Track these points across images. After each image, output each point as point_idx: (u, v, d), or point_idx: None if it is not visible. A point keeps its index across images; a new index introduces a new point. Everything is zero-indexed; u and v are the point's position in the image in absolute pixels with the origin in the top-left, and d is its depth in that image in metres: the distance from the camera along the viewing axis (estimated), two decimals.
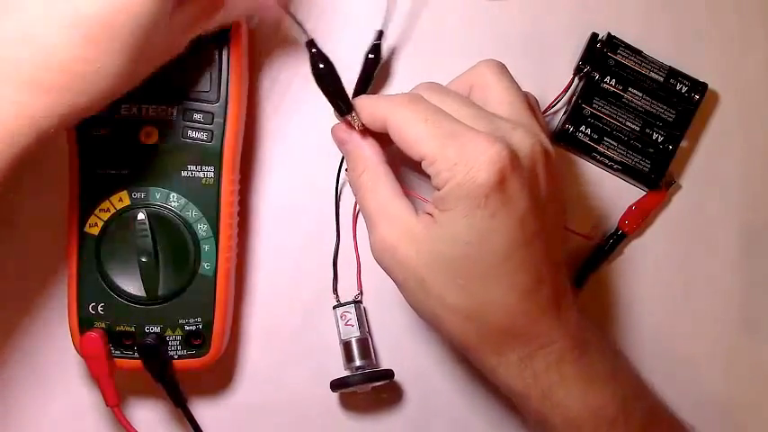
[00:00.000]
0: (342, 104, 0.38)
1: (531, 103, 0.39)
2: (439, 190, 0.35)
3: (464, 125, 0.35)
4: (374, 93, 0.46)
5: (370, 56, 0.45)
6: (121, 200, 0.41)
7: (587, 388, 0.37)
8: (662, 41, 0.47)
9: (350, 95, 0.39)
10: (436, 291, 0.36)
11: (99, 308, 0.42)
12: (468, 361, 0.39)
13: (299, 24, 0.40)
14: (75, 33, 0.32)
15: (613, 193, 0.47)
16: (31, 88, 0.32)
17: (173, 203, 0.41)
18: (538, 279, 0.36)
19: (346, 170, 0.44)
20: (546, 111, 0.47)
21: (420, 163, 0.36)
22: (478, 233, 0.35)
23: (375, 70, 0.45)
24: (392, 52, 0.47)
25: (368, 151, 0.39)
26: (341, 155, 0.46)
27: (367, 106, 0.38)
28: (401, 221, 0.37)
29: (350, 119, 0.38)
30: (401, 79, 0.47)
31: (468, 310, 0.36)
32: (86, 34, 0.32)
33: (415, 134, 0.35)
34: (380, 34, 0.45)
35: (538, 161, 0.36)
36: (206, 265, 0.42)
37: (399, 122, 0.36)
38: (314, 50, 0.38)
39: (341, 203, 0.46)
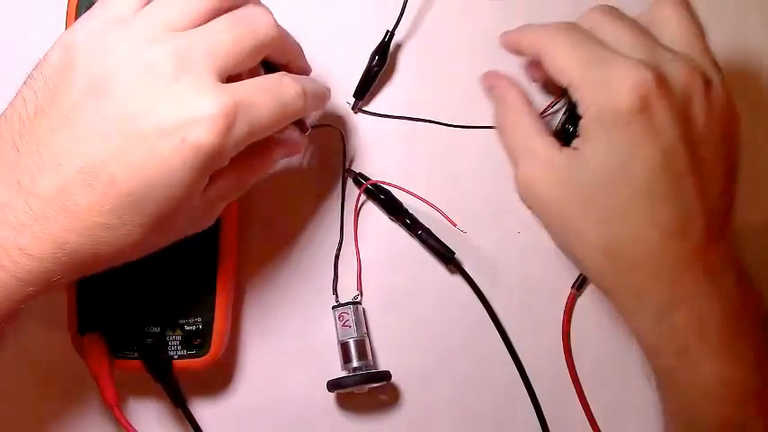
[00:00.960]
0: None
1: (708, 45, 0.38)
2: (583, 115, 0.34)
3: (617, 53, 0.34)
4: (375, 90, 0.47)
5: (376, 57, 0.45)
6: None
7: (727, 357, 0.34)
8: None
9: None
10: (575, 225, 0.35)
11: (99, 308, 0.42)
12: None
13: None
14: (104, 202, 0.32)
15: None
16: (52, 248, 0.32)
17: None
18: (686, 220, 0.34)
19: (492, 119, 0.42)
20: (546, 110, 0.46)
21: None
22: (619, 161, 0.34)
23: (381, 70, 0.46)
24: (395, 48, 0.47)
25: (513, 92, 0.39)
26: (340, 155, 0.46)
27: (524, 32, 0.39)
28: (543, 156, 0.36)
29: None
30: (401, 76, 0.47)
31: (606, 246, 0.35)
32: (114, 204, 0.32)
33: (564, 60, 0.35)
34: (390, 35, 0.45)
35: (695, 92, 0.34)
36: (206, 266, 0.42)
37: (551, 49, 0.36)
38: None
39: (345, 202, 0.46)
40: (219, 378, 0.46)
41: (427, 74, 0.47)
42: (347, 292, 0.46)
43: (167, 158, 0.32)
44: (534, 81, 0.44)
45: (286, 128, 0.38)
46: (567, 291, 0.46)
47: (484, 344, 0.46)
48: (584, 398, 0.46)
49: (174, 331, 0.42)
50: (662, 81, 0.33)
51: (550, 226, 0.37)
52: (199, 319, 0.42)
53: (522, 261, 0.46)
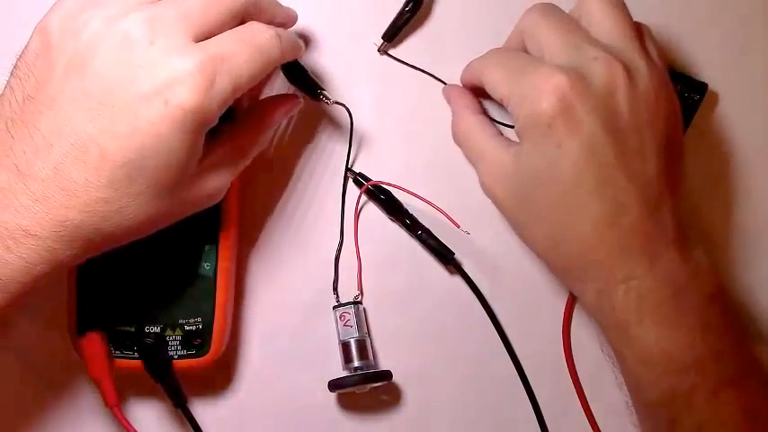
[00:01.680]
0: (312, 89, 0.43)
1: (638, 31, 0.39)
2: (516, 124, 0.38)
3: (536, 61, 0.38)
4: (404, 36, 0.47)
5: (411, 2, 0.46)
6: None
7: (664, 332, 0.36)
8: (662, 41, 0.47)
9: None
10: (522, 220, 0.39)
11: (99, 308, 0.42)
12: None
13: None
14: (99, 176, 0.32)
15: None
16: (54, 225, 0.33)
17: None
18: (617, 210, 0.36)
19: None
20: None
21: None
22: (547, 161, 0.36)
23: (414, 15, 0.46)
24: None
25: (462, 101, 0.44)
26: (341, 155, 0.46)
27: (466, 70, 0.44)
28: (492, 158, 0.40)
29: (322, 98, 0.43)
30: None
31: (548, 239, 0.38)
32: (109, 177, 0.32)
33: (494, 80, 0.40)
34: None
35: (617, 84, 0.36)
36: (206, 265, 0.42)
37: (486, 73, 0.41)
38: None
39: (345, 203, 0.46)
40: (219, 378, 0.46)
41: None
42: (347, 292, 0.46)
43: (154, 124, 0.32)
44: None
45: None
46: (567, 291, 0.46)
47: (484, 344, 0.46)
48: (585, 398, 0.46)
49: (174, 331, 0.42)
50: (578, 81, 0.35)
51: (509, 221, 0.41)
52: (199, 319, 0.42)
53: (521, 261, 0.46)
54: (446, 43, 0.47)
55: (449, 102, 0.45)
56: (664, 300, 0.36)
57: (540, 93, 0.36)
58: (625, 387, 0.41)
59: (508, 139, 0.42)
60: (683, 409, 0.37)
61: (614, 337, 0.38)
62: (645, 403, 0.39)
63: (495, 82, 0.39)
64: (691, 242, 0.38)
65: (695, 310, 0.37)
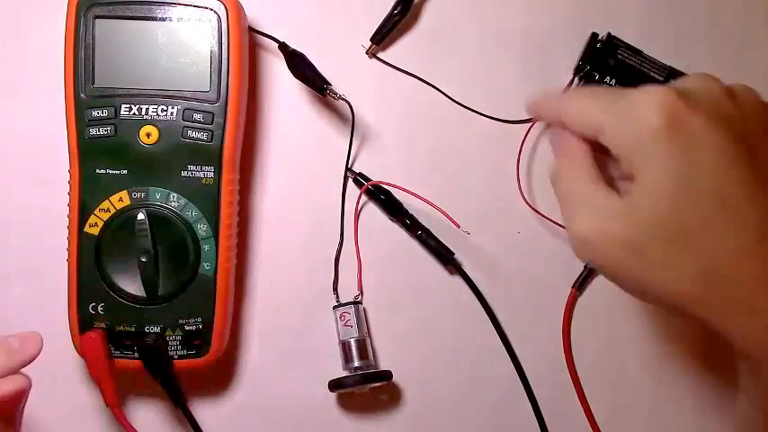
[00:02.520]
0: (318, 84, 0.43)
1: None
2: (620, 158, 0.33)
3: (629, 89, 0.33)
4: (392, 40, 0.47)
5: (400, 5, 0.46)
6: (121, 200, 0.41)
7: None
8: (662, 41, 0.47)
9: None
10: (656, 263, 0.32)
11: (99, 308, 0.42)
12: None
13: (268, 36, 0.45)
14: None
15: None
16: None
17: (173, 203, 0.42)
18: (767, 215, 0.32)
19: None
20: None
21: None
22: (679, 178, 0.31)
23: (402, 19, 0.46)
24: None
25: (576, 144, 0.36)
26: (342, 155, 0.46)
27: (542, 105, 0.38)
28: (604, 206, 0.33)
29: (328, 94, 0.43)
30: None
31: (699, 270, 0.32)
32: None
33: (582, 110, 0.34)
34: None
35: (719, 94, 0.33)
36: (206, 265, 0.42)
37: (569, 106, 0.35)
38: (289, 50, 0.44)
39: (345, 203, 0.46)
40: (219, 378, 0.46)
41: (423, 74, 0.47)
42: (347, 292, 0.46)
43: None
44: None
45: None
46: (567, 291, 0.46)
47: (484, 344, 0.46)
48: (584, 398, 0.46)
49: (173, 331, 0.42)
50: (681, 93, 0.32)
51: (622, 276, 0.34)
52: (199, 319, 0.42)
53: (522, 261, 0.46)
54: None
55: (553, 141, 0.38)
56: None
57: (646, 108, 0.32)
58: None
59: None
60: None
61: None
62: None
63: (584, 111, 0.34)
64: None
65: None
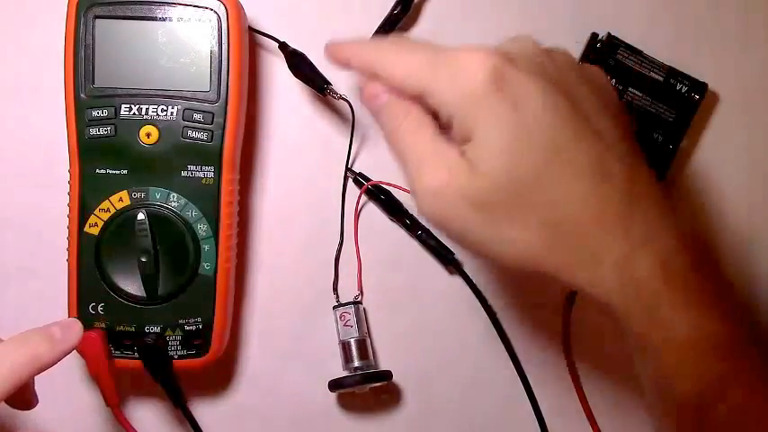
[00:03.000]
0: (318, 84, 0.44)
1: None
2: (452, 119, 0.32)
3: (446, 47, 0.33)
4: None
5: (399, 5, 0.46)
6: (121, 200, 0.41)
7: (696, 306, 0.31)
8: (662, 41, 0.47)
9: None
10: (501, 217, 0.31)
11: (99, 308, 0.42)
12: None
13: (268, 36, 0.45)
14: None
15: None
16: None
17: (173, 203, 0.42)
18: (601, 159, 0.32)
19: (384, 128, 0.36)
20: None
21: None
22: (510, 131, 0.31)
23: (401, 19, 0.46)
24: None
25: (406, 101, 0.34)
26: (342, 155, 0.46)
27: (353, 52, 0.35)
28: (449, 160, 0.32)
29: (328, 93, 0.43)
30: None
31: (541, 221, 0.31)
32: None
33: (406, 68, 0.33)
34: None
35: (537, 53, 0.33)
36: (206, 265, 0.42)
37: (390, 61, 0.33)
38: (289, 50, 0.44)
39: (345, 203, 0.46)
40: (219, 378, 0.46)
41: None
42: (347, 292, 0.46)
43: None
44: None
45: None
46: (567, 291, 0.46)
47: (484, 344, 0.46)
48: (585, 398, 0.46)
49: (173, 331, 0.42)
50: (500, 51, 0.32)
51: (471, 235, 0.33)
52: (199, 319, 0.42)
53: None
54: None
55: (375, 98, 0.35)
56: (689, 264, 0.32)
57: (471, 66, 0.31)
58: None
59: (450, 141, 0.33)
60: (717, 398, 0.32)
61: (641, 320, 0.32)
62: (672, 397, 0.33)
63: (409, 71, 0.33)
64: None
65: (716, 282, 0.32)
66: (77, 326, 0.36)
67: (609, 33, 0.46)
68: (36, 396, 0.38)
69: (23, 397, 0.38)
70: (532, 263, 0.32)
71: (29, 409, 0.38)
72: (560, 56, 0.34)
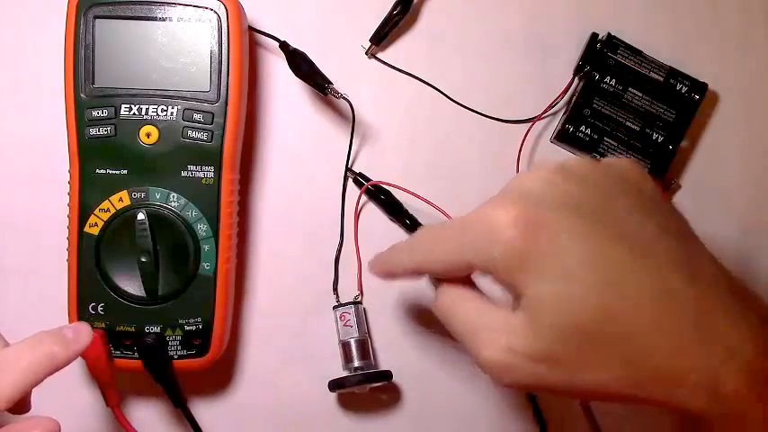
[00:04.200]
0: (319, 83, 0.44)
1: None
2: (498, 281, 0.32)
3: (470, 214, 0.33)
4: (392, 40, 0.47)
5: (399, 5, 0.46)
6: (121, 200, 0.41)
7: None
8: (662, 41, 0.47)
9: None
10: (575, 361, 0.31)
11: (99, 308, 0.42)
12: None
13: (268, 35, 0.45)
14: None
15: None
16: None
17: (173, 203, 0.41)
18: (660, 277, 0.30)
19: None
20: (546, 111, 0.47)
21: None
22: (557, 279, 0.30)
23: (402, 19, 0.46)
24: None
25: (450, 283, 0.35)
26: (342, 155, 0.46)
27: (393, 263, 0.36)
28: (503, 325, 0.32)
29: (329, 93, 0.43)
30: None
31: (622, 358, 0.30)
32: None
33: (444, 258, 0.33)
34: None
35: (560, 182, 0.32)
36: (206, 265, 0.42)
37: (421, 253, 0.34)
38: (290, 49, 0.45)
39: (345, 203, 0.46)
40: (219, 378, 0.46)
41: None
42: (347, 292, 0.46)
43: None
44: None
45: None
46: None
47: None
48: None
49: (173, 331, 0.42)
50: (521, 196, 0.32)
51: (551, 386, 0.31)
52: (199, 319, 0.42)
53: None
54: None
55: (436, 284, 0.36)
56: None
57: (497, 224, 0.31)
58: None
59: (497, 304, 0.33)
60: None
61: (727, 426, 0.30)
62: None
63: (442, 254, 0.33)
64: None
65: None
66: (87, 328, 0.37)
67: (609, 33, 0.46)
68: (30, 402, 0.39)
69: (23, 400, 0.38)
70: (623, 391, 0.31)
71: (22, 413, 0.39)
72: (582, 168, 0.33)
